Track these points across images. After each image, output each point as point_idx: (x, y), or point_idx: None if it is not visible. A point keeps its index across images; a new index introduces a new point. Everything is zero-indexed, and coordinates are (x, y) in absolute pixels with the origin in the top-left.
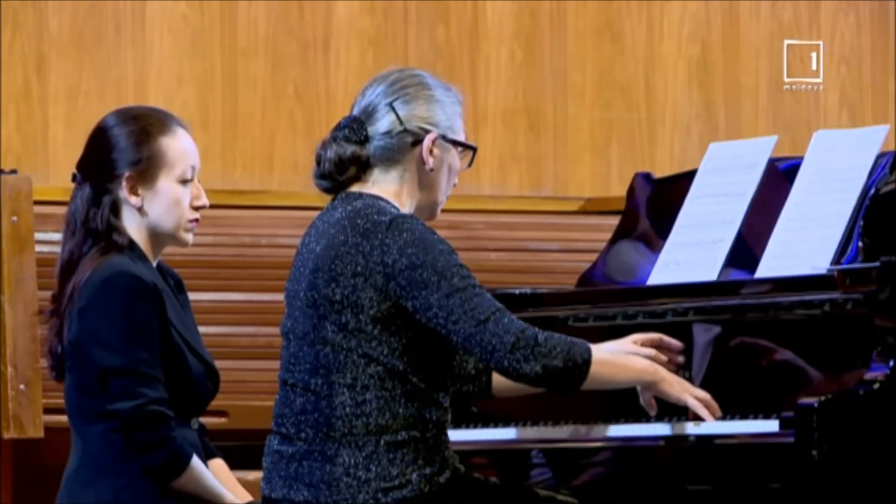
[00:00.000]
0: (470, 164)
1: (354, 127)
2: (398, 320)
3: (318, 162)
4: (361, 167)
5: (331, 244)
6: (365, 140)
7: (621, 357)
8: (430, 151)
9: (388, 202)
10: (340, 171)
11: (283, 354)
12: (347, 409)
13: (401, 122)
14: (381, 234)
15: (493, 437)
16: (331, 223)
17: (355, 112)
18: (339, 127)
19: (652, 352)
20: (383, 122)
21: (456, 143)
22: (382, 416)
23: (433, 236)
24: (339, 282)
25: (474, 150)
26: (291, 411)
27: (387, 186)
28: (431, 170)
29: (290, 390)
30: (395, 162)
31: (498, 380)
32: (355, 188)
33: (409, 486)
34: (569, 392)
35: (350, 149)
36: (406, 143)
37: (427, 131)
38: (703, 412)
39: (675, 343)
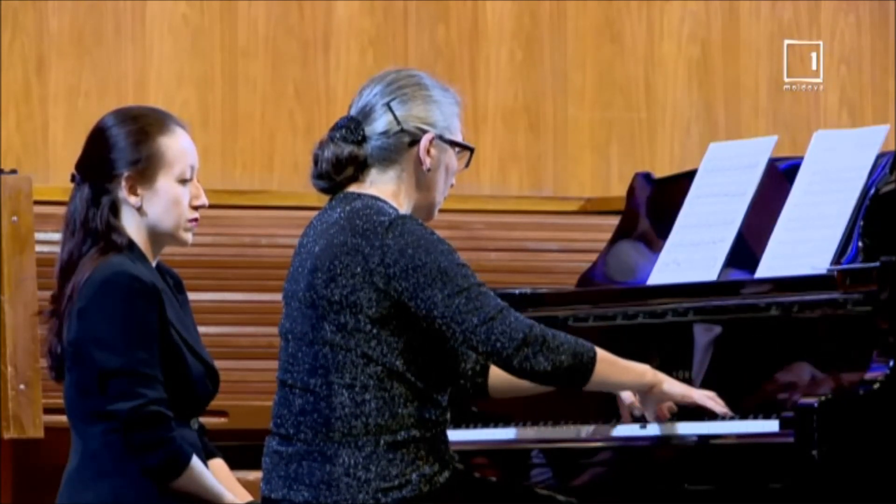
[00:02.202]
0: (467, 165)
1: (352, 127)
2: (397, 320)
3: (316, 162)
4: (359, 167)
5: (329, 244)
6: (362, 140)
7: (622, 360)
8: (428, 151)
9: (386, 203)
10: (338, 171)
11: (282, 355)
12: (346, 410)
13: (398, 123)
14: (380, 235)
15: (493, 437)
16: (329, 223)
17: (353, 112)
18: (336, 127)
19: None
20: (380, 123)
21: (453, 144)
22: (381, 416)
23: (433, 236)
24: (338, 282)
25: (471, 150)
26: (290, 412)
27: (384, 186)
28: (429, 170)
29: (289, 391)
30: (393, 162)
31: (494, 381)
32: (353, 188)
33: (409, 485)
34: (575, 388)
35: (347, 149)
36: (403, 144)
37: (424, 131)
38: (714, 406)
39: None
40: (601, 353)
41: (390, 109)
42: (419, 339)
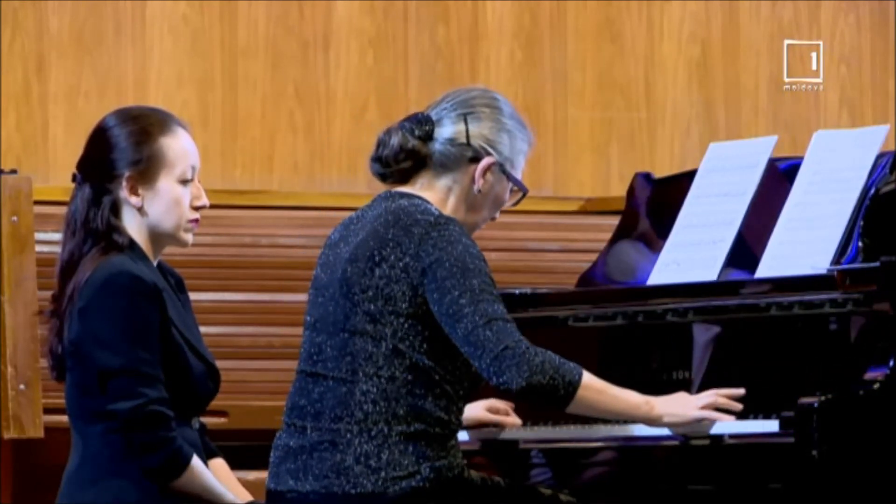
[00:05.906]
0: (515, 204)
1: (424, 123)
2: (428, 316)
3: (378, 145)
4: (416, 165)
5: (371, 236)
6: (429, 138)
7: (616, 388)
8: (484, 174)
9: (433, 206)
10: (397, 160)
11: (305, 345)
12: (367, 397)
13: (467, 135)
14: (421, 232)
15: (493, 437)
16: (373, 216)
17: (429, 112)
18: (409, 118)
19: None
20: (450, 129)
21: (510, 178)
22: (401, 407)
23: (468, 241)
24: (375, 272)
25: (524, 192)
26: (308, 400)
27: (434, 193)
28: (479, 191)
29: (310, 380)
30: (449, 171)
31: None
32: (403, 188)
33: (419, 475)
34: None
35: (412, 142)
36: (464, 157)
37: (488, 153)
38: (724, 415)
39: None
40: (588, 380)
41: (464, 121)
42: (447, 338)
